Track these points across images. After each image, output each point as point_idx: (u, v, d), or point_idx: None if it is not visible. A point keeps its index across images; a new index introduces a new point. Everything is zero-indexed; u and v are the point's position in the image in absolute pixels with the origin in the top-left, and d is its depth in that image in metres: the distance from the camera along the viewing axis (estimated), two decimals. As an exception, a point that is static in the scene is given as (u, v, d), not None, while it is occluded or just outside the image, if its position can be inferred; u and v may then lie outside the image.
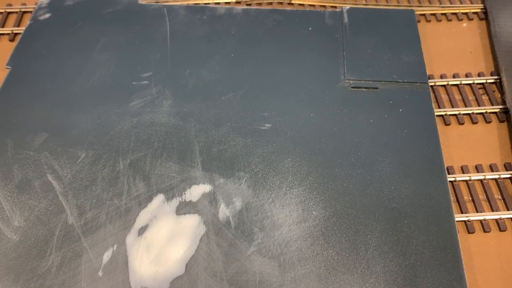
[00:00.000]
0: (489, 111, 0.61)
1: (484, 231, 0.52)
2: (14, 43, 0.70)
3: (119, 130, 0.58)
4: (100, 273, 0.47)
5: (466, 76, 0.65)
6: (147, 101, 0.61)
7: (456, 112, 0.61)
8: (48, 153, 0.56)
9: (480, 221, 0.53)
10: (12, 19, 0.74)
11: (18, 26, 0.73)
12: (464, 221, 0.53)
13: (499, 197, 0.55)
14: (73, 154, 0.56)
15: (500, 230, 0.52)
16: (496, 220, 0.53)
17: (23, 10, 0.75)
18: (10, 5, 0.75)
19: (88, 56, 0.65)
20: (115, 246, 0.49)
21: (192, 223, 0.50)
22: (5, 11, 0.74)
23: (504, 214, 0.53)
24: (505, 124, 0.61)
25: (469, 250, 0.51)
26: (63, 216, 0.51)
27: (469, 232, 0.52)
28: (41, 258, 0.48)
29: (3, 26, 0.73)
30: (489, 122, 0.61)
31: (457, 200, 0.54)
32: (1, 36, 0.72)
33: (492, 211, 0.54)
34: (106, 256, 0.48)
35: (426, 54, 0.67)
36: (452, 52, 0.69)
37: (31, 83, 0.63)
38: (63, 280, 0.47)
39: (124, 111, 0.60)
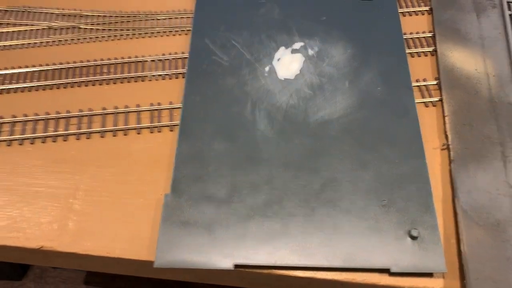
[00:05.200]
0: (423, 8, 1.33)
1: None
2: None
3: (258, 23, 1.28)
4: (265, 74, 1.19)
5: (414, -6, 1.37)
6: (267, 9, 1.31)
7: (408, 10, 1.33)
8: (230, 33, 1.27)
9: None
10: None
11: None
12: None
13: (425, 44, 1.28)
14: (240, 31, 1.26)
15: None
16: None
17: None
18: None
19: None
20: (269, 65, 1.20)
21: (299, 56, 1.22)
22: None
23: (426, 50, 1.26)
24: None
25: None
26: (244, 57, 1.22)
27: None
28: (240, 70, 1.19)
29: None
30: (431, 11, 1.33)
31: (407, 46, 1.27)
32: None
33: (421, 49, 1.27)
34: (267, 68, 1.20)
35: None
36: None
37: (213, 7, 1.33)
38: (252, 77, 1.18)
39: (259, 12, 1.30)
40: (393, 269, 0.91)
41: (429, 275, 0.93)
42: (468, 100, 1.14)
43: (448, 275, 0.93)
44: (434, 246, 0.93)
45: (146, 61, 1.22)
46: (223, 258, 0.92)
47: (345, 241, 0.94)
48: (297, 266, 0.92)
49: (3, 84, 1.17)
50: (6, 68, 1.20)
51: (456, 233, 0.97)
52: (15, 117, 1.12)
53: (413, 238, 0.94)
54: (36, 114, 1.12)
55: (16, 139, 1.09)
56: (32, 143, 1.09)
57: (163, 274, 0.98)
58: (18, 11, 1.31)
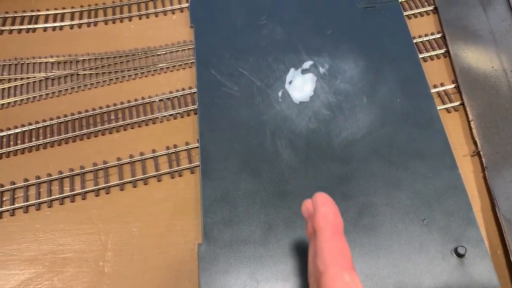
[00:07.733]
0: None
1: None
2: (181, 14, 1.33)
3: (263, 46, 1.23)
4: (279, 99, 1.15)
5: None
6: (269, 29, 1.26)
7: (413, 12, 1.29)
8: (236, 61, 1.22)
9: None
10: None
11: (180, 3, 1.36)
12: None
13: (435, 46, 1.24)
14: (246, 57, 1.22)
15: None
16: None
17: (179, -6, 1.37)
18: (169, -7, 1.37)
19: (234, 12, 1.30)
20: (282, 89, 1.16)
21: (310, 76, 1.18)
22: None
23: (438, 52, 1.23)
24: None
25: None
26: (253, 84, 1.18)
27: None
28: (252, 100, 1.15)
29: (171, 4, 1.36)
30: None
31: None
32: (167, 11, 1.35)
33: (433, 52, 1.23)
34: (280, 93, 1.16)
35: (395, -14, 1.33)
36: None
37: (209, 27, 1.28)
38: (266, 105, 1.14)
39: (261, 34, 1.25)
40: (446, 292, 0.88)
41: (482, 291, 0.90)
42: (490, 100, 1.11)
43: (501, 288, 0.90)
44: (483, 261, 0.91)
45: (154, 101, 1.17)
46: (271, 305, 0.88)
47: (392, 269, 0.91)
48: (347, 302, 0.88)
49: (8, 146, 1.12)
50: (8, 129, 1.15)
51: (502, 243, 0.95)
52: (27, 180, 1.07)
53: (460, 256, 0.91)
54: (49, 175, 1.07)
55: (32, 205, 1.03)
56: (50, 207, 1.04)
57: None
58: (11, 64, 1.25)
